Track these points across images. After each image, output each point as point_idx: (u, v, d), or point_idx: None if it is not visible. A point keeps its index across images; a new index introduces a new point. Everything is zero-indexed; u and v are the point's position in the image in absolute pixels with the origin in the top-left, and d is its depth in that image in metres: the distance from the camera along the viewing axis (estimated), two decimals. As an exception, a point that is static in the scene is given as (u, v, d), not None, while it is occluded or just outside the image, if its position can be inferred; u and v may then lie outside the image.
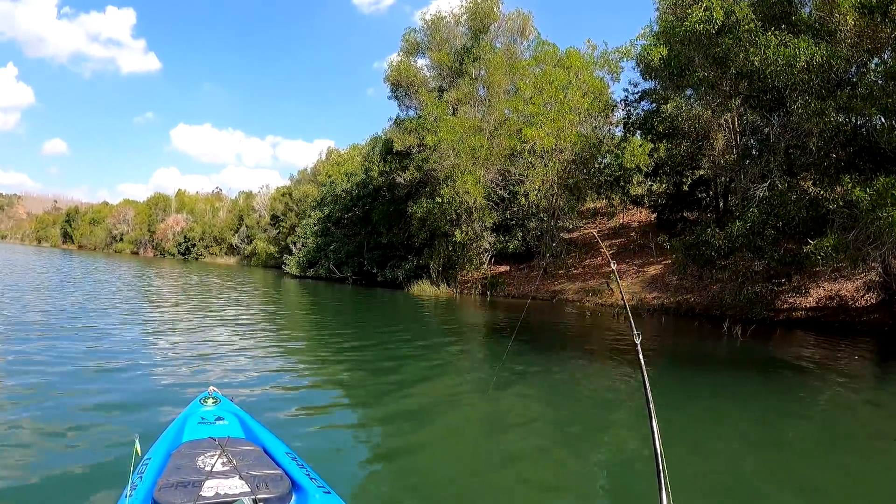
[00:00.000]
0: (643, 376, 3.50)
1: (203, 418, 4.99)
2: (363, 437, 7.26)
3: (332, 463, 5.89)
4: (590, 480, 6.14)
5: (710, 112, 24.46)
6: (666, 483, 2.87)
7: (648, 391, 3.39)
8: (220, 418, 5.02)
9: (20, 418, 6.77)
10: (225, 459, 4.05)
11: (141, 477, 3.87)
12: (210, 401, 5.29)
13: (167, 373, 9.65)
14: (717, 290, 23.69)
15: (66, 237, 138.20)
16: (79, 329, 13.72)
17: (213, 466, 3.93)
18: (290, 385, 9.46)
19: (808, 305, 21.67)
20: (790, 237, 18.92)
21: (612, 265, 5.20)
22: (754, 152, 23.59)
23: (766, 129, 20.97)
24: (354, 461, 6.21)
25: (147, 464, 4.09)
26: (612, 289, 27.36)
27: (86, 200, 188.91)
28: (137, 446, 3.85)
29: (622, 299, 5.47)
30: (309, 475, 4.11)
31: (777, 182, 19.65)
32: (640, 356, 3.60)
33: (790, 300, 21.86)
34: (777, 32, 17.83)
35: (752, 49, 18.24)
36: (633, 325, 3.99)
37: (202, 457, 4.06)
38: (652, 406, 3.23)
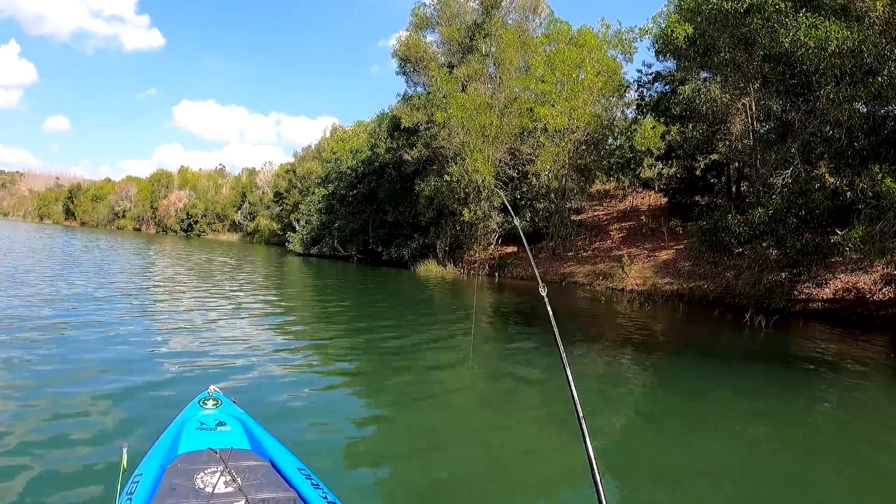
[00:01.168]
0: (555, 334, 3.33)
1: (202, 423, 4.43)
2: (383, 446, 6.36)
3: (349, 479, 5.16)
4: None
5: (728, 95, 23.83)
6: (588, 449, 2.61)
7: (561, 346, 3.24)
8: (221, 423, 4.46)
9: None
10: (228, 477, 3.62)
11: (130, 499, 3.27)
12: (210, 402, 4.67)
13: (162, 366, 8.58)
14: (731, 278, 23.14)
15: (69, 214, 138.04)
16: (61, 314, 12.39)
17: (214, 486, 3.50)
18: (296, 381, 8.43)
19: (825, 297, 21.11)
20: (812, 226, 18.34)
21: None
22: (772, 137, 22.88)
23: (791, 115, 20.27)
24: (372, 476, 5.47)
25: (137, 482, 3.48)
26: (626, 272, 26.77)
27: (88, 177, 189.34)
28: (125, 458, 3.47)
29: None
30: (326, 498, 3.54)
31: (801, 169, 19.04)
32: (549, 309, 3.55)
33: (806, 291, 21.30)
34: (808, 14, 17.15)
35: (782, 30, 17.56)
36: (539, 278, 3.83)
37: (201, 474, 3.64)
38: (565, 358, 3.10)
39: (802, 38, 16.95)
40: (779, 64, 18.59)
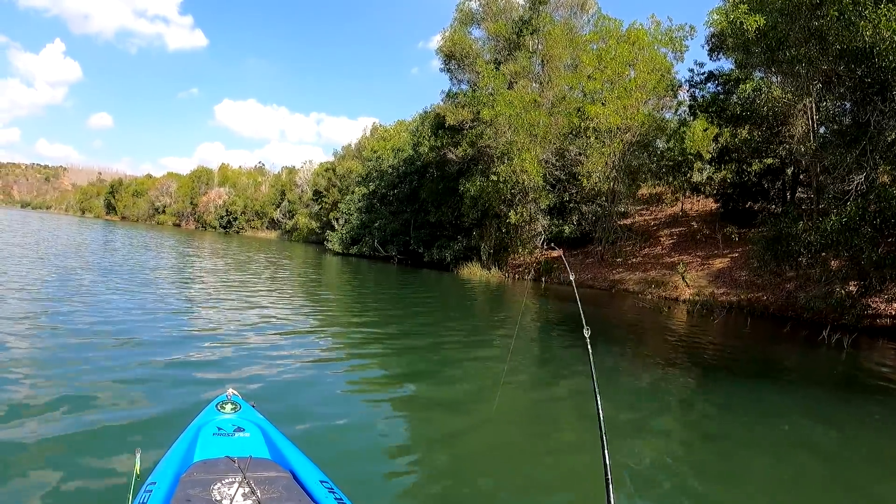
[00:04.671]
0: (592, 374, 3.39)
1: (220, 428, 4.21)
2: (411, 460, 5.87)
3: (375, 495, 4.84)
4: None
5: (790, 94, 22.55)
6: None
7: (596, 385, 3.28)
8: (239, 429, 4.23)
9: None
10: (247, 489, 3.35)
11: None
12: (228, 406, 4.49)
13: (182, 366, 8.24)
14: (792, 289, 21.83)
15: (110, 208, 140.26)
16: (87, 304, 12.41)
17: (232, 499, 3.26)
18: (320, 387, 7.96)
19: (892, 313, 19.67)
20: (889, 237, 17.01)
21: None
22: (841, 140, 21.47)
23: (867, 116, 18.92)
24: (399, 491, 5.05)
25: (151, 491, 3.30)
26: (687, 282, 25.47)
27: (129, 173, 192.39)
28: (138, 464, 3.39)
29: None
30: None
31: (881, 175, 17.70)
32: (590, 350, 3.51)
33: (873, 305, 19.87)
34: (891, 6, 15.85)
35: (861, 23, 16.27)
36: (583, 320, 3.75)
37: (219, 484, 3.37)
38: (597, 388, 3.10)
39: (884, 32, 15.72)
40: (854, 60, 17.29)
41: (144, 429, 5.63)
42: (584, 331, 3.58)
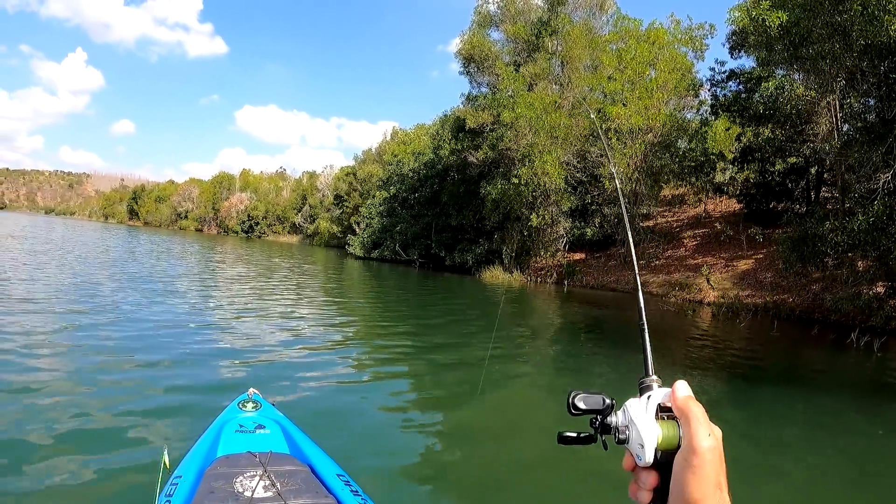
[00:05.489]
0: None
1: (241, 426, 4.35)
2: (424, 457, 6.04)
3: (389, 488, 5.02)
4: None
5: (814, 92, 22.24)
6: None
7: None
8: (260, 426, 4.38)
9: (35, 416, 5.89)
10: (267, 482, 3.52)
11: (169, 501, 3.25)
12: (250, 405, 4.61)
13: (207, 366, 8.60)
14: (818, 291, 21.50)
15: (132, 214, 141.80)
16: (115, 309, 12.73)
17: (253, 491, 3.40)
18: (339, 388, 8.19)
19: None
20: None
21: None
22: (863, 138, 21.13)
23: (893, 112, 18.59)
24: (412, 485, 5.27)
25: (177, 484, 3.44)
26: (711, 284, 25.18)
27: (152, 179, 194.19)
28: (166, 458, 3.43)
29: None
30: None
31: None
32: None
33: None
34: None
35: (886, 17, 16.01)
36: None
37: (241, 477, 3.54)
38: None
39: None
40: (879, 56, 17.01)
41: (171, 426, 5.94)
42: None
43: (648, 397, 0.84)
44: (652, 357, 0.94)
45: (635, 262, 1.29)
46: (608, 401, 0.85)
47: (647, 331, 1.02)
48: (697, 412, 0.78)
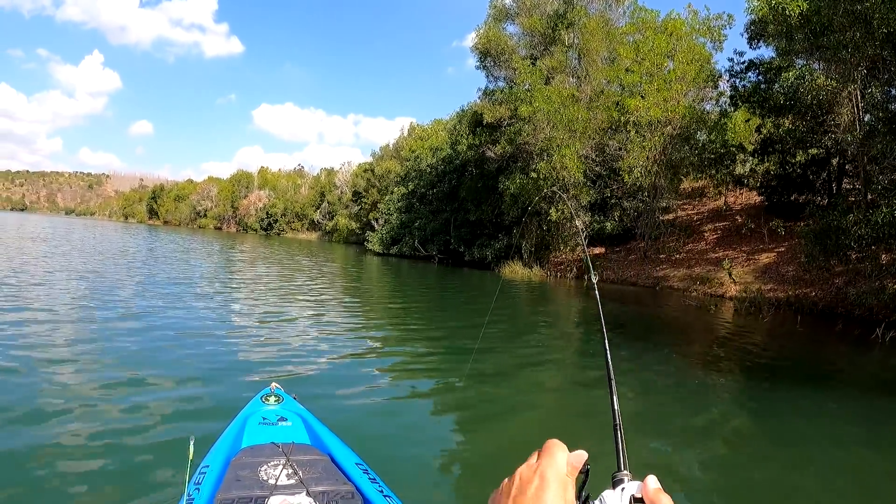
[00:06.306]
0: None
1: (265, 418, 4.56)
2: (444, 447, 6.26)
3: (407, 476, 5.18)
4: None
5: (835, 82, 21.91)
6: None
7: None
8: (282, 419, 4.59)
9: (69, 410, 6.21)
10: (290, 470, 3.73)
11: (198, 488, 3.45)
12: (272, 398, 4.84)
13: (231, 360, 8.98)
14: (840, 285, 21.19)
15: (152, 213, 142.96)
16: (141, 307, 13.19)
17: (277, 479, 3.61)
18: (357, 381, 8.34)
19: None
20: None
21: None
22: (885, 128, 20.79)
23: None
24: (431, 475, 5.47)
25: (205, 472, 3.66)
26: (733, 278, 24.90)
27: (171, 178, 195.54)
28: (192, 449, 3.53)
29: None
30: (382, 492, 3.60)
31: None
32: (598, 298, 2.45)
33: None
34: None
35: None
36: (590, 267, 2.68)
37: (265, 466, 3.75)
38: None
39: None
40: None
41: (197, 419, 6.23)
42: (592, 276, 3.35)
43: (622, 489, 0.89)
44: (625, 452, 1.01)
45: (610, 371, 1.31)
46: (584, 493, 0.89)
47: (621, 428, 1.11)
48: (666, 503, 0.84)
